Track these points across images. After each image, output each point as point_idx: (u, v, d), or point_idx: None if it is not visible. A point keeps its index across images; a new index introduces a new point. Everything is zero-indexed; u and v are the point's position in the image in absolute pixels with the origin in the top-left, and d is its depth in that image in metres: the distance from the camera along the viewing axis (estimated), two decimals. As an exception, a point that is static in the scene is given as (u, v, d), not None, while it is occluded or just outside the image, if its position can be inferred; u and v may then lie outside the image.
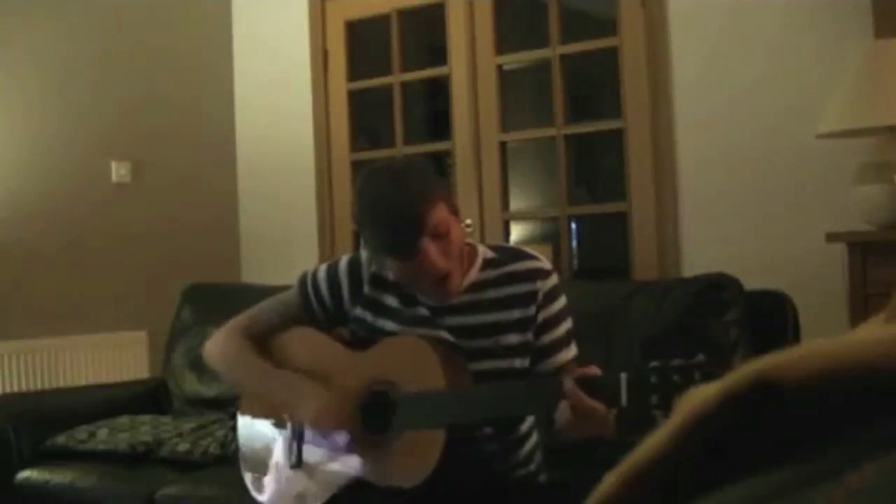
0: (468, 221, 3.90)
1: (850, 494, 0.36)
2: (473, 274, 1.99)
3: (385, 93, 4.45)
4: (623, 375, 1.70)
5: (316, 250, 4.45)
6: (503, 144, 4.14)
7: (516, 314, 1.96)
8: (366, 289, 2.04)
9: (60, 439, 3.12)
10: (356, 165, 4.36)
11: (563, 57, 3.97)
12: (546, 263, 2.03)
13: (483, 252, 2.03)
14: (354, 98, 4.52)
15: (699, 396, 0.41)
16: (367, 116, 4.91)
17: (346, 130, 4.49)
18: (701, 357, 1.68)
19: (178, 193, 4.54)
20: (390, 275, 2.01)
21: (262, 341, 2.12)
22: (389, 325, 2.01)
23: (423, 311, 1.99)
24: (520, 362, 1.96)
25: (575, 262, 4.59)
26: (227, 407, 3.07)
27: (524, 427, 2.06)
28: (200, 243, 4.57)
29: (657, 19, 3.63)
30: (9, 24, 4.06)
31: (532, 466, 2.09)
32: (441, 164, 4.38)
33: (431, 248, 1.84)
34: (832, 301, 2.98)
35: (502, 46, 4.12)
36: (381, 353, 1.98)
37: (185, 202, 4.56)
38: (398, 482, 1.88)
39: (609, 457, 0.51)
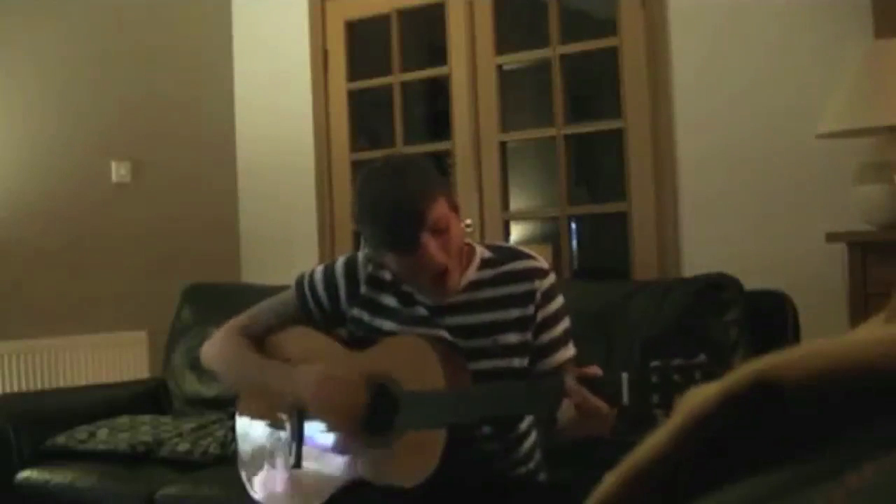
0: (468, 221, 3.90)
1: (850, 494, 0.36)
2: (471, 273, 2.00)
3: (385, 93, 4.45)
4: (624, 375, 1.70)
5: (316, 250, 4.45)
6: (503, 144, 4.15)
7: (515, 313, 1.96)
8: (363, 289, 2.04)
9: (60, 439, 3.12)
10: (356, 165, 4.36)
11: (563, 57, 3.97)
12: (543, 263, 2.03)
13: (481, 252, 2.04)
14: (354, 98, 4.52)
15: (699, 396, 0.41)
16: (367, 116, 4.92)
17: (346, 130, 4.49)
18: (702, 357, 1.68)
19: (178, 193, 4.54)
20: (389, 274, 2.01)
21: (259, 341, 2.12)
22: (387, 324, 2.01)
23: (422, 311, 1.99)
24: (519, 362, 1.96)
25: (575, 262, 4.59)
26: (227, 407, 3.07)
27: (523, 426, 2.06)
28: (200, 243, 4.57)
29: (657, 19, 3.63)
30: (9, 24, 4.06)
31: (531, 465, 2.09)
32: (441, 164, 4.38)
33: (431, 243, 1.84)
34: (832, 301, 2.98)
35: (502, 46, 4.12)
36: (381, 353, 1.98)
37: (185, 202, 4.56)
38: (399, 482, 1.88)
39: (609, 457, 0.51)
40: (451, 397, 1.89)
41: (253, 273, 4.56)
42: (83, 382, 3.99)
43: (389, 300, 2.02)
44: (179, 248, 4.48)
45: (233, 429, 2.31)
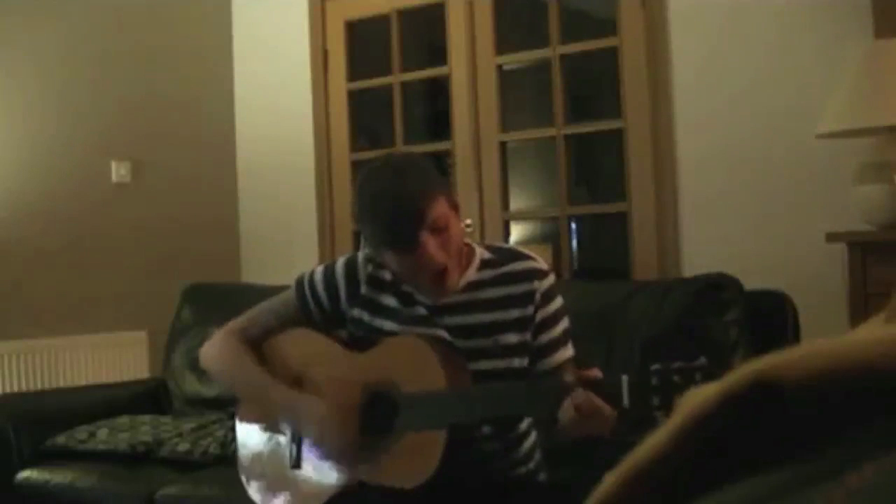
0: (468, 221, 3.90)
1: (850, 494, 0.36)
2: (471, 273, 2.00)
3: (385, 93, 4.45)
4: (624, 377, 1.70)
5: (316, 250, 4.45)
6: (503, 144, 4.15)
7: (514, 314, 1.96)
8: (363, 289, 2.04)
9: (60, 439, 3.12)
10: (356, 165, 4.36)
11: (563, 57, 3.97)
12: (542, 264, 2.03)
13: (481, 252, 2.04)
14: (354, 98, 4.52)
15: (699, 397, 0.41)
16: (367, 116, 4.91)
17: (346, 130, 4.49)
18: (702, 359, 1.68)
19: (178, 193, 4.54)
20: (389, 274, 2.01)
21: (259, 344, 2.12)
22: (387, 324, 2.01)
23: (422, 311, 1.99)
24: (518, 362, 1.96)
25: (575, 262, 4.59)
26: (227, 407, 3.07)
27: (523, 426, 2.07)
28: (200, 243, 4.57)
29: (657, 19, 3.63)
30: (9, 24, 4.06)
31: (531, 465, 2.09)
32: (441, 164, 4.38)
33: (430, 242, 1.85)
34: (832, 301, 2.98)
35: (502, 46, 4.12)
36: (381, 354, 1.98)
37: (185, 202, 4.56)
38: (399, 483, 1.88)
39: (609, 457, 0.51)
40: (451, 398, 1.89)
41: (253, 273, 4.56)
42: (83, 382, 3.99)
43: (389, 300, 2.02)
44: (179, 248, 4.48)
45: (233, 429, 2.31)
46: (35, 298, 4.05)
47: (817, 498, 0.37)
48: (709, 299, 2.61)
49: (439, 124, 4.68)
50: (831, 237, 2.92)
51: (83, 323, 4.17)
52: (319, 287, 2.08)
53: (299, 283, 2.12)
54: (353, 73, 4.51)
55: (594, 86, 5.27)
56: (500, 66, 4.12)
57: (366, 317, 2.04)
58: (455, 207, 1.94)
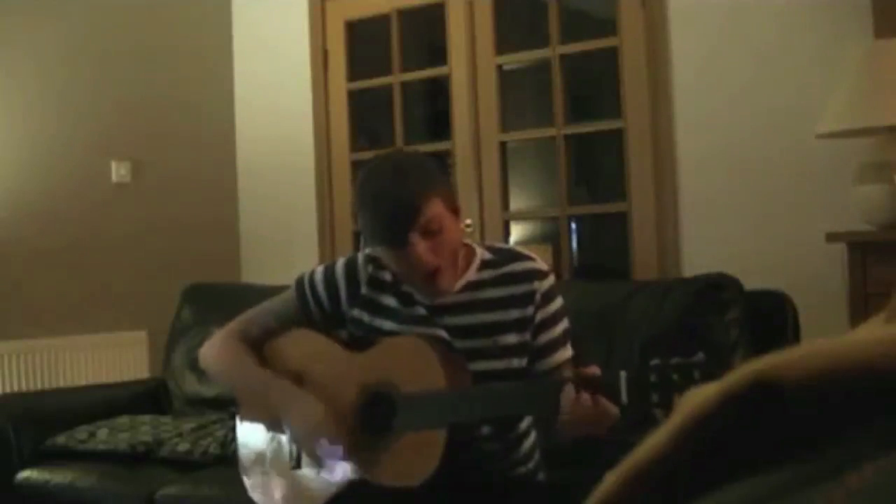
0: (468, 221, 3.90)
1: (850, 494, 0.36)
2: (471, 274, 2.00)
3: (385, 93, 4.45)
4: (623, 374, 1.71)
5: (316, 250, 4.45)
6: (503, 144, 4.15)
7: (514, 314, 1.97)
8: (363, 289, 2.05)
9: (60, 439, 3.12)
10: (356, 165, 4.36)
11: (563, 57, 3.97)
12: (543, 265, 2.03)
13: (481, 253, 2.04)
14: (354, 98, 4.52)
15: (699, 396, 0.41)
16: (367, 116, 4.91)
17: (346, 130, 4.49)
18: (700, 355, 1.69)
19: (178, 193, 4.54)
20: (389, 275, 2.02)
21: (259, 344, 2.12)
22: (387, 324, 2.01)
23: (421, 311, 1.99)
24: (517, 362, 1.97)
25: (575, 262, 4.58)
26: (227, 407, 3.07)
27: (523, 425, 2.07)
28: (200, 243, 4.57)
29: (657, 19, 3.63)
30: (9, 24, 4.06)
31: (531, 465, 2.09)
32: (441, 164, 4.37)
33: (420, 244, 1.85)
34: (832, 301, 2.98)
35: (502, 46, 4.12)
36: (381, 354, 1.98)
37: (185, 202, 4.56)
38: (399, 482, 1.88)
39: (609, 457, 0.51)
40: (450, 397, 1.89)
41: (253, 273, 4.56)
42: (83, 382, 3.99)
43: (389, 300, 2.02)
44: (179, 248, 4.48)
45: (233, 429, 2.31)
46: (35, 298, 4.05)
47: (817, 498, 0.37)
48: (709, 299, 2.61)
49: (439, 124, 4.68)
50: (831, 237, 2.92)
51: (83, 323, 4.17)
52: (320, 287, 2.08)
53: (299, 283, 2.12)
54: (353, 73, 4.51)
55: (594, 86, 5.27)
56: (500, 66, 4.12)
57: (366, 317, 2.04)
58: (454, 210, 1.94)
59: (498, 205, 4.11)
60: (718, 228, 3.50)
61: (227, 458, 2.82)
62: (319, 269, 2.12)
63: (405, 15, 4.36)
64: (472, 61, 4.13)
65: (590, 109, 5.49)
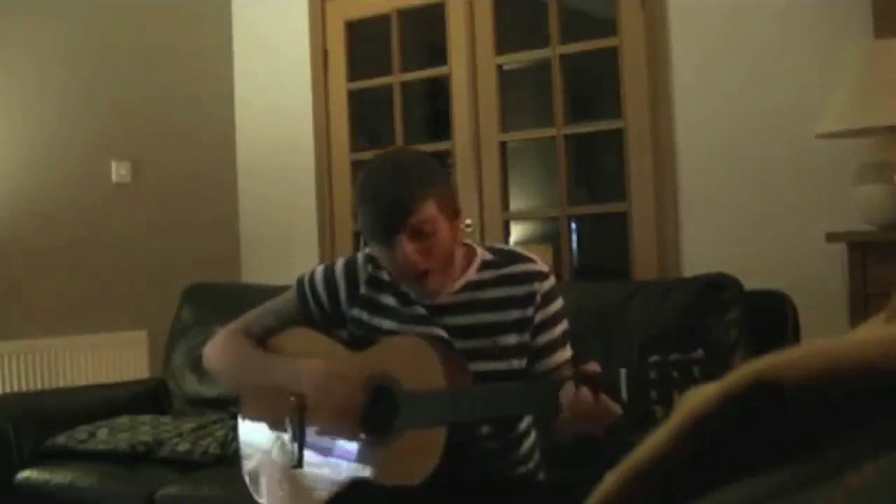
0: (468, 221, 3.90)
1: (850, 494, 0.36)
2: (471, 274, 2.00)
3: (385, 93, 4.45)
4: (622, 371, 1.71)
5: (316, 250, 4.45)
6: (503, 144, 4.15)
7: (514, 315, 1.97)
8: (363, 289, 2.05)
9: (60, 439, 3.12)
10: (356, 165, 4.36)
11: (563, 57, 3.97)
12: (543, 266, 2.04)
13: (482, 254, 2.04)
14: (354, 98, 4.52)
15: (699, 396, 0.41)
16: (367, 116, 4.91)
17: (346, 130, 4.49)
18: (700, 352, 1.69)
19: (178, 193, 4.54)
20: (388, 275, 2.02)
21: (260, 342, 2.13)
22: (387, 323, 2.02)
23: (421, 311, 1.99)
24: (517, 363, 1.97)
25: (575, 262, 4.58)
26: (228, 407, 3.07)
27: (523, 425, 2.07)
28: (200, 243, 4.57)
29: (657, 19, 3.63)
30: (9, 24, 4.06)
31: (531, 464, 2.09)
32: (443, 165, 4.37)
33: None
34: (832, 301, 2.97)
35: (502, 46, 4.12)
36: (381, 353, 1.99)
37: (185, 202, 4.56)
38: (399, 481, 1.88)
39: (609, 457, 0.51)
40: (451, 397, 1.89)
41: (253, 273, 4.56)
42: (83, 382, 3.99)
43: (389, 300, 2.03)
44: (179, 248, 4.48)
45: (233, 428, 2.31)
46: (35, 298, 4.05)
47: (817, 498, 0.37)
48: (709, 299, 2.61)
49: (439, 124, 4.68)
50: (831, 237, 2.92)
51: (83, 323, 4.17)
52: (320, 287, 2.09)
53: (300, 283, 2.13)
54: (353, 73, 4.51)
55: (594, 86, 5.27)
56: (500, 66, 4.12)
57: (365, 316, 2.04)
58: (453, 212, 1.94)
59: (498, 205, 4.11)
60: (718, 228, 3.50)
61: (227, 458, 2.82)
62: (319, 269, 2.13)
63: (405, 15, 4.36)
64: (472, 61, 4.13)
65: (590, 109, 5.49)
